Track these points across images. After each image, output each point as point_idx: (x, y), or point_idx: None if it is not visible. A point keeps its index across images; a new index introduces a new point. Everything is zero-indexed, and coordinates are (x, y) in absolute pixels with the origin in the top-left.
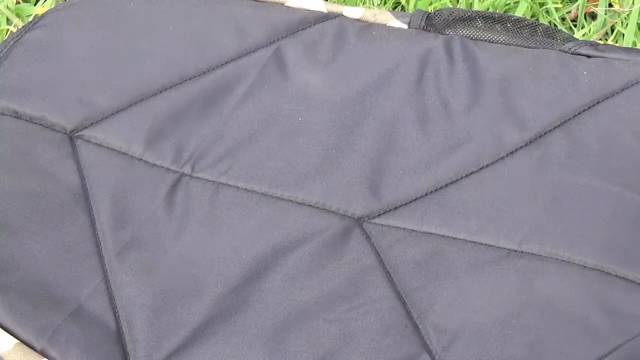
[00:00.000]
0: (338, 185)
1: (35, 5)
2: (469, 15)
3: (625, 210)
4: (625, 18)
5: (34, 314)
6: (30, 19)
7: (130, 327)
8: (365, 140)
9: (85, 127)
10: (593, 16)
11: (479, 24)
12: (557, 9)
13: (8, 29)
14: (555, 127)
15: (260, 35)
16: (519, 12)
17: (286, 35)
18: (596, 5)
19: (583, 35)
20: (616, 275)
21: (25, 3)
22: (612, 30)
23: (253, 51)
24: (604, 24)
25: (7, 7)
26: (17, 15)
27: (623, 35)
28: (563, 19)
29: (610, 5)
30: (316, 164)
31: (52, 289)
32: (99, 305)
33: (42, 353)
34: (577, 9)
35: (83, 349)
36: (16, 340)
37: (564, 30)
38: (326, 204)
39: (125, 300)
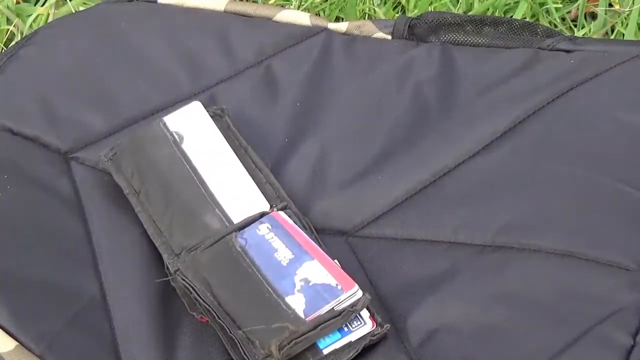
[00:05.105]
0: (323, 201)
1: (35, 5)
2: (450, 21)
3: (595, 193)
4: (625, 18)
5: (35, 320)
6: (31, 18)
7: (126, 340)
8: (346, 154)
9: (80, 149)
10: (593, 16)
11: (460, 28)
12: (557, 9)
13: (8, 29)
14: (528, 116)
15: (249, 54)
16: (519, 12)
17: (274, 54)
18: (596, 5)
19: (583, 35)
20: (587, 259)
21: (25, 3)
22: (612, 30)
23: (242, 71)
24: (604, 24)
25: (7, 7)
26: (17, 15)
27: (623, 35)
28: (563, 19)
29: (610, 5)
30: (306, 178)
31: (53, 296)
32: (95, 315)
33: (40, 357)
34: (577, 9)
35: (80, 359)
36: (17, 342)
37: (564, 29)
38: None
39: (121, 313)
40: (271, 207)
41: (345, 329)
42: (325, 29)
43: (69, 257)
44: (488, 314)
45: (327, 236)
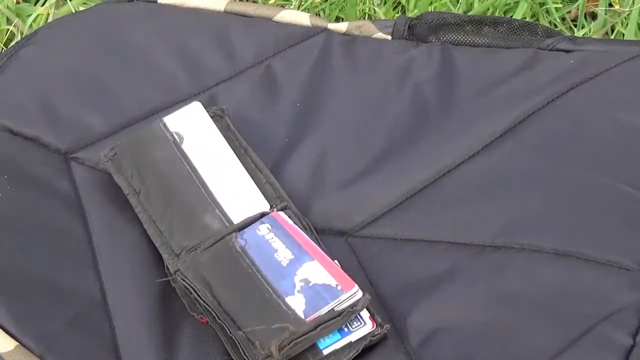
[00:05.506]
0: (323, 201)
1: (35, 5)
2: (450, 21)
3: (595, 193)
4: (625, 18)
5: (35, 320)
6: (31, 18)
7: (126, 340)
8: (346, 154)
9: (80, 149)
10: (593, 16)
11: (460, 28)
12: (557, 9)
13: (8, 29)
14: (528, 116)
15: (249, 54)
16: (519, 12)
17: (274, 54)
18: (596, 5)
19: (583, 35)
20: (586, 259)
21: (25, 3)
22: (612, 30)
23: (242, 71)
24: (604, 24)
25: (7, 7)
26: (17, 15)
27: (623, 35)
28: (563, 19)
29: (610, 5)
30: (306, 178)
31: (53, 296)
32: (95, 315)
33: (41, 357)
34: (577, 9)
35: (80, 359)
36: (17, 342)
37: (564, 29)
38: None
39: (121, 313)
40: (271, 207)
41: (345, 329)
42: (325, 29)
43: (69, 257)
44: (488, 314)
45: (327, 236)
